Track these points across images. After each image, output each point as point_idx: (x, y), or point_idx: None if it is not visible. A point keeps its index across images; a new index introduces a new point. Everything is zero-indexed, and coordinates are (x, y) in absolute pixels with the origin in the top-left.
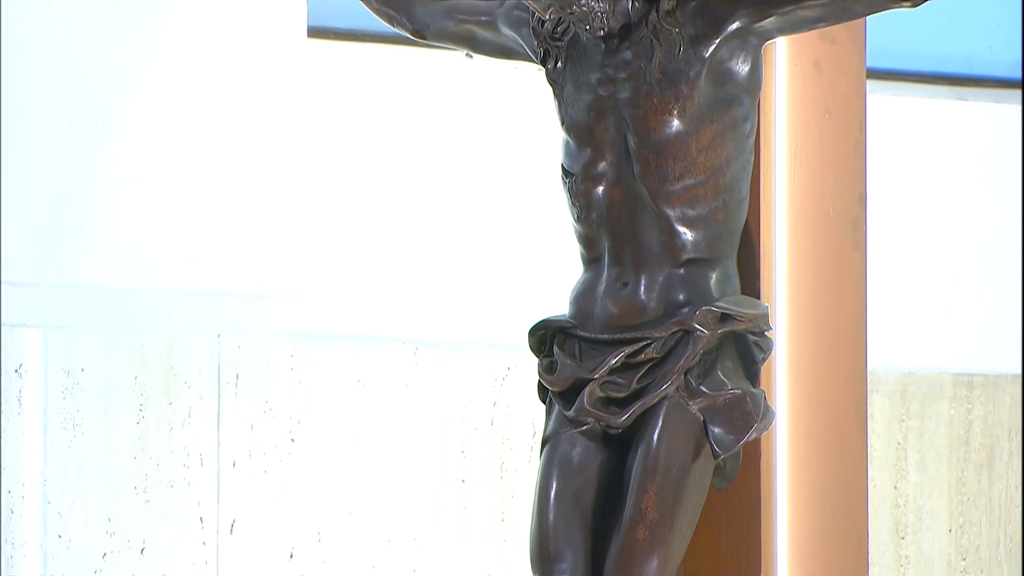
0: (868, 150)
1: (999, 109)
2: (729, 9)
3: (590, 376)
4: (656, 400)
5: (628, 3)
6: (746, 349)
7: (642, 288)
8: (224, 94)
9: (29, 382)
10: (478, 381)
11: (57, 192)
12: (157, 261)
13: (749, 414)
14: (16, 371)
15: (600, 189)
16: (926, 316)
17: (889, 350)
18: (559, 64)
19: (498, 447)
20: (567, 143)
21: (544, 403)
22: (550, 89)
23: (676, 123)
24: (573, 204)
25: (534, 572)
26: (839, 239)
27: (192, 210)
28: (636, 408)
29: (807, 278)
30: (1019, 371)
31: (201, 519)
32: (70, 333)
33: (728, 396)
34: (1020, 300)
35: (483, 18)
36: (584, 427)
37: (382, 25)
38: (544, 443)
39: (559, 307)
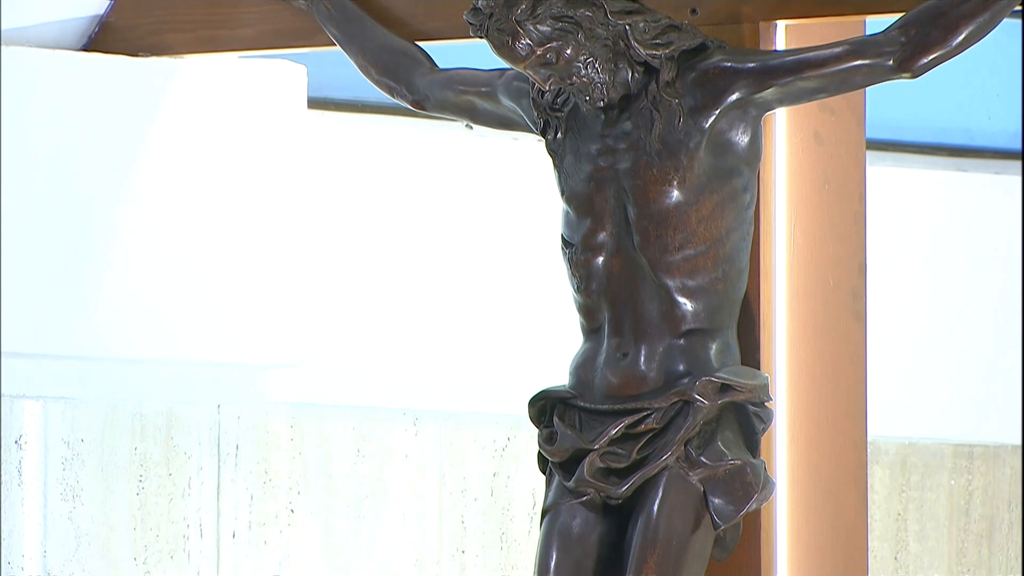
0: (868, 221)
1: (999, 180)
2: (729, 80)
3: (590, 447)
4: (656, 471)
5: (628, 74)
6: (746, 419)
7: (642, 358)
8: (224, 165)
9: (29, 453)
10: (478, 451)
11: (57, 263)
12: (156, 332)
13: (749, 485)
14: (16, 442)
15: (600, 259)
16: (926, 387)
17: (889, 420)
18: (559, 135)
19: (498, 518)
20: (567, 213)
21: (544, 474)
22: (550, 160)
23: (676, 193)
24: (573, 274)
25: None
26: (839, 310)
27: (191, 280)
28: (636, 479)
29: (807, 349)
30: (1019, 442)
31: None
32: (70, 404)
33: (728, 467)
34: (1020, 371)
35: (483, 89)
36: (584, 498)
37: (382, 96)
38: (544, 514)
39: (559, 377)
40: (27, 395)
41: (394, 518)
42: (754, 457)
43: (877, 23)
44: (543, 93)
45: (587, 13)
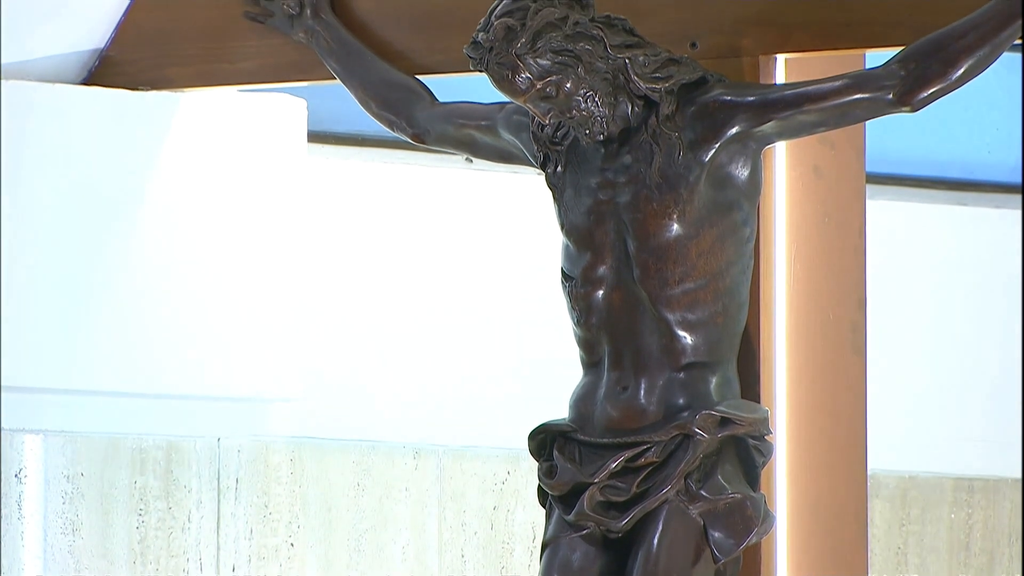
0: (868, 254)
1: (999, 214)
2: (728, 113)
3: (590, 480)
4: (656, 504)
5: (628, 107)
6: (746, 453)
7: (642, 392)
8: (224, 198)
9: (29, 487)
10: (478, 485)
11: (57, 298)
12: (156, 366)
13: (749, 518)
14: (16, 476)
15: (600, 293)
16: (926, 420)
17: (889, 454)
18: (559, 168)
19: (498, 551)
20: (567, 247)
21: (544, 507)
22: (550, 193)
23: (676, 227)
24: (573, 308)
25: None
26: (839, 343)
27: (191, 314)
28: (636, 512)
29: (807, 382)
30: (1019, 476)
31: None
32: (69, 438)
33: (728, 500)
34: (1020, 404)
35: (483, 123)
36: (584, 531)
37: (383, 129)
38: (544, 547)
39: (559, 411)
40: (27, 429)
41: (394, 552)
42: (754, 491)
43: (877, 57)
44: (543, 127)
45: (587, 47)
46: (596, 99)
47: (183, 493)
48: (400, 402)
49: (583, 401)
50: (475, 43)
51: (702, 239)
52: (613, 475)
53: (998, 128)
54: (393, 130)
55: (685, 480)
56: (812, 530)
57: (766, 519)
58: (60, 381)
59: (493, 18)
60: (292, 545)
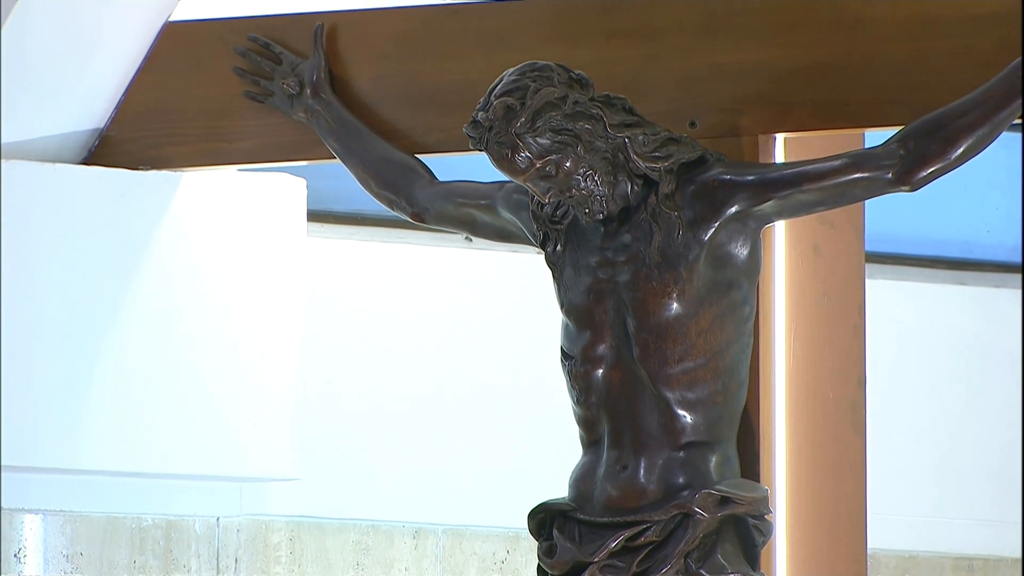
0: (867, 333)
1: (999, 293)
2: (728, 193)
3: (590, 559)
4: None
5: (627, 186)
6: (746, 532)
7: (641, 471)
8: (223, 278)
9: (28, 566)
10: (478, 564)
11: (56, 377)
12: (156, 445)
13: None
14: (15, 555)
15: (599, 372)
16: (926, 499)
17: (889, 533)
18: (558, 247)
19: None
20: (567, 325)
21: None
22: (550, 272)
23: (675, 306)
24: (572, 386)
25: None
26: (838, 422)
27: (190, 394)
28: None
29: (807, 461)
30: (1019, 555)
31: None
32: (69, 517)
33: None
34: (1020, 483)
35: (482, 201)
36: None
37: (382, 208)
38: None
39: (559, 490)
40: (26, 508)
41: None
42: (754, 570)
43: (876, 136)
44: (542, 205)
45: (587, 126)
46: (596, 178)
47: (182, 573)
48: (399, 482)
49: (583, 480)
50: (475, 122)
51: (701, 318)
52: (613, 554)
53: (998, 207)
54: (393, 209)
55: (685, 559)
56: None
57: None
58: (59, 461)
59: (493, 97)
60: None
